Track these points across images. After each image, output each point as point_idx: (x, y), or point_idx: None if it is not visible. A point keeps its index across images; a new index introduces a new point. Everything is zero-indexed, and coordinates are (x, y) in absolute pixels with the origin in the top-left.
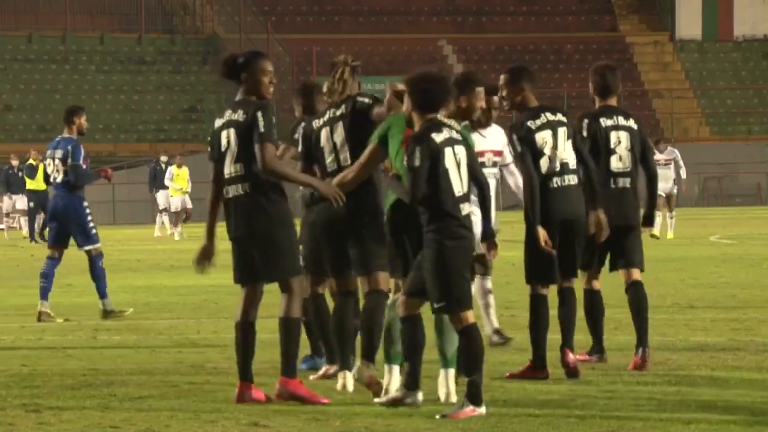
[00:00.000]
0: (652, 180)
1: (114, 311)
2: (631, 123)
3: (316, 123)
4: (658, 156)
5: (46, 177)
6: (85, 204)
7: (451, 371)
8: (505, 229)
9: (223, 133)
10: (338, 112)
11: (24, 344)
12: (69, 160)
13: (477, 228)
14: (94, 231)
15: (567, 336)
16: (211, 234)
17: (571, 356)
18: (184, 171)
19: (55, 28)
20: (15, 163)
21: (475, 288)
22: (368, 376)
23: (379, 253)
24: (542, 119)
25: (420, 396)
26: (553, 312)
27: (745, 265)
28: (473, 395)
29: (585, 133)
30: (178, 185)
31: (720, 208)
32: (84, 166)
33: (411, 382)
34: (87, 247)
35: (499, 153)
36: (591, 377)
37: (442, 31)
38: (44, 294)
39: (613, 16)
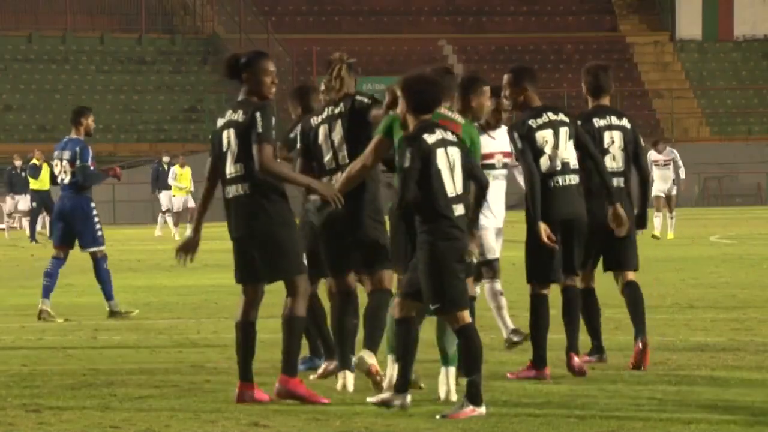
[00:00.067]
0: (644, 180)
1: (120, 312)
2: (625, 122)
3: (314, 120)
4: (657, 156)
5: (53, 177)
6: (93, 205)
7: (452, 369)
8: (506, 229)
9: (224, 133)
10: (336, 110)
11: (24, 344)
12: (77, 162)
13: (491, 232)
14: (100, 233)
15: (572, 338)
16: (197, 228)
17: (576, 360)
18: (187, 171)
19: (55, 28)
20: (18, 163)
21: (486, 291)
22: (369, 365)
23: (381, 252)
24: (544, 118)
25: (408, 398)
26: (555, 312)
27: (745, 265)
28: (473, 395)
29: None
30: (181, 185)
31: (720, 208)
32: (92, 167)
33: (400, 385)
34: (92, 249)
35: (508, 154)
36: (591, 377)
37: (442, 31)
38: (46, 292)
39: (613, 16)
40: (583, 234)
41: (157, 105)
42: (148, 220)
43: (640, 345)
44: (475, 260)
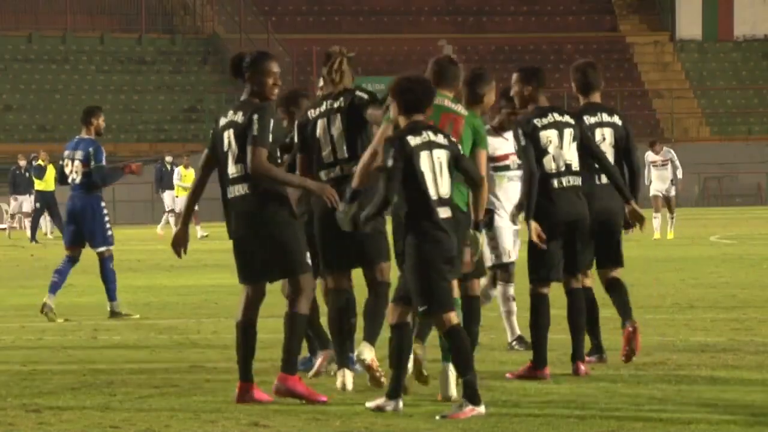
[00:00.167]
0: (634, 176)
1: (121, 314)
2: (615, 119)
3: (312, 113)
4: (654, 157)
5: (62, 177)
6: (103, 204)
7: (453, 366)
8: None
9: (225, 134)
10: (336, 104)
11: (24, 344)
12: (92, 162)
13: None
14: (110, 232)
15: (577, 344)
16: (185, 221)
17: (582, 368)
18: (192, 171)
19: (55, 28)
20: (22, 163)
21: (498, 294)
22: (370, 360)
23: (379, 245)
24: (549, 119)
25: (401, 404)
26: (555, 312)
27: (745, 265)
28: (470, 395)
29: None
30: (186, 185)
31: (720, 208)
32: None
33: (393, 390)
34: (100, 249)
35: None
36: (591, 377)
37: (442, 31)
38: (53, 288)
39: (613, 16)
40: (587, 235)
41: (157, 105)
42: (148, 220)
43: (630, 329)
44: (475, 258)
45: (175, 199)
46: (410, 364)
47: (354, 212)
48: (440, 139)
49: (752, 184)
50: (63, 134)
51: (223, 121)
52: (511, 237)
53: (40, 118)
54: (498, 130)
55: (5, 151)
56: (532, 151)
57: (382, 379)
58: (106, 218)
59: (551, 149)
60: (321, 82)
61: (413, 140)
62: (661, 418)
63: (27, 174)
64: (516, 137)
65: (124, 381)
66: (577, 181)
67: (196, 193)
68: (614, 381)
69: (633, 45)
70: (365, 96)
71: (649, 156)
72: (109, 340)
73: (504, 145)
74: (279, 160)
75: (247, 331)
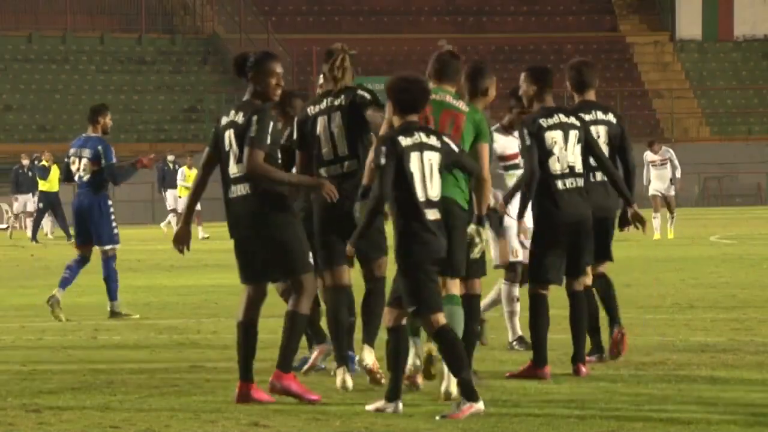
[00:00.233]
0: (629, 174)
1: (121, 314)
2: (610, 117)
3: (311, 110)
4: (653, 157)
5: (69, 174)
6: (110, 203)
7: None
8: None
9: (227, 133)
10: (337, 102)
11: (24, 344)
12: (102, 161)
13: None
14: (116, 231)
15: (578, 346)
16: (186, 219)
17: (583, 370)
18: (195, 172)
19: (55, 28)
20: (26, 162)
21: (503, 293)
22: (372, 364)
23: (377, 241)
24: (555, 119)
25: (400, 405)
26: (555, 312)
27: (745, 265)
28: (467, 392)
29: None
30: (189, 185)
31: (720, 208)
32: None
33: (392, 393)
34: (108, 247)
35: None
36: (591, 377)
37: (442, 31)
38: (62, 283)
39: (613, 16)
40: (590, 236)
41: (157, 105)
42: (148, 220)
43: (618, 335)
44: (477, 256)
45: (177, 198)
46: (418, 361)
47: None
48: (432, 140)
49: (752, 184)
50: (63, 134)
51: (224, 120)
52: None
53: (40, 118)
54: (508, 129)
55: (5, 151)
56: (535, 152)
57: (383, 381)
58: (113, 217)
59: (556, 150)
60: (321, 80)
61: (404, 141)
62: (661, 417)
63: (30, 173)
64: (521, 136)
65: (124, 381)
66: (581, 182)
67: (197, 192)
68: (614, 381)
69: (633, 45)
70: (367, 96)
71: (648, 156)
72: (109, 340)
73: (514, 143)
74: (279, 161)
75: (248, 330)
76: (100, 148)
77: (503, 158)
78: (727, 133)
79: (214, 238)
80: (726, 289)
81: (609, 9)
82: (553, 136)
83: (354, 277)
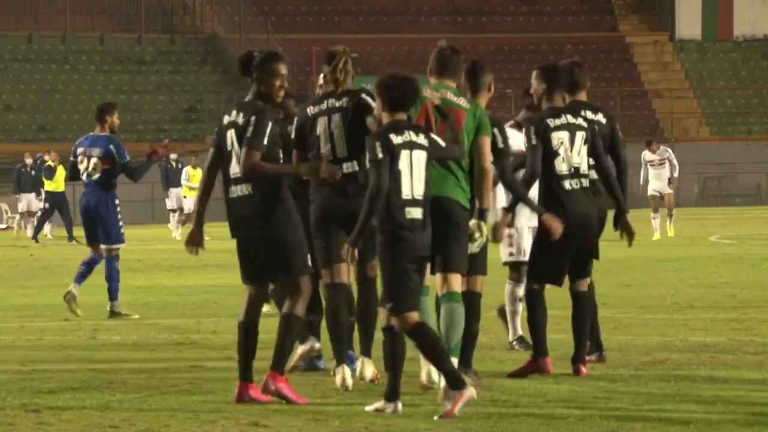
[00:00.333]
0: (621, 173)
1: (121, 314)
2: (600, 117)
3: (311, 110)
4: (651, 157)
5: (75, 173)
6: (117, 202)
7: (453, 360)
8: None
9: (228, 133)
10: (338, 103)
11: (24, 344)
12: (117, 160)
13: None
14: (122, 231)
15: (579, 348)
16: (199, 221)
17: (583, 370)
18: (200, 171)
19: (55, 28)
20: (29, 162)
21: (506, 292)
22: (371, 374)
23: (374, 242)
24: (562, 120)
25: (400, 405)
26: (555, 312)
27: (745, 265)
28: (454, 382)
29: None
30: (193, 185)
31: (720, 208)
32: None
33: (390, 393)
34: (114, 246)
35: None
36: (591, 377)
37: (442, 31)
38: (78, 278)
39: (613, 16)
40: (595, 236)
41: (157, 105)
42: (148, 220)
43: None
44: (476, 250)
45: (181, 198)
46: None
47: None
48: (421, 139)
49: (752, 184)
50: (63, 134)
51: (226, 120)
52: (529, 235)
53: (39, 118)
54: (521, 126)
55: (5, 151)
56: (540, 152)
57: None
58: (119, 216)
59: (562, 151)
60: (321, 80)
61: (396, 139)
62: (660, 417)
63: (33, 172)
64: (527, 135)
65: (124, 381)
66: (586, 182)
67: (205, 193)
68: (614, 380)
69: (633, 45)
70: (371, 102)
71: (646, 155)
72: (109, 339)
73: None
74: (281, 161)
75: (248, 330)
76: (111, 147)
77: (515, 156)
78: (727, 133)
79: (214, 238)
80: (726, 289)
81: (609, 9)
82: (560, 137)
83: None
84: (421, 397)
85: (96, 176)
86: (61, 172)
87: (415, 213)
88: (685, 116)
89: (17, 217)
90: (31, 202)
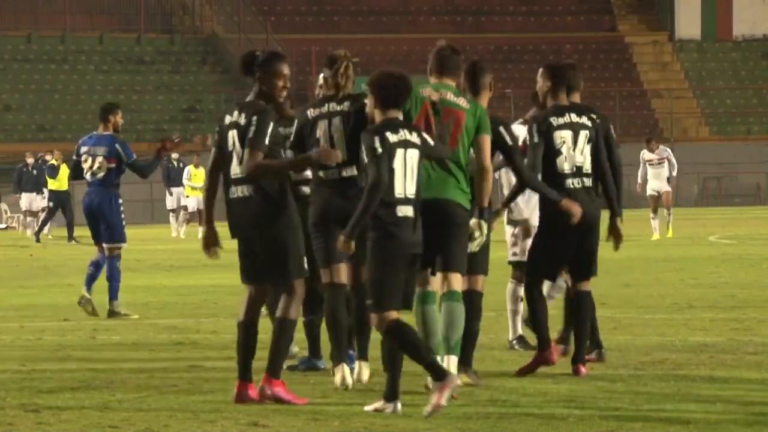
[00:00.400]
0: (615, 173)
1: (120, 313)
2: (593, 118)
3: (311, 113)
4: (650, 156)
5: (79, 172)
6: (120, 201)
7: (453, 358)
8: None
9: (230, 134)
10: (339, 107)
11: (23, 344)
12: (124, 159)
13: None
14: (124, 230)
15: (580, 348)
16: (209, 222)
17: (583, 370)
18: (202, 171)
19: (54, 28)
20: (30, 161)
21: (507, 291)
22: (367, 377)
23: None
24: (566, 118)
25: (399, 405)
26: (555, 312)
27: (745, 265)
28: (436, 373)
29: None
30: (195, 185)
31: (719, 208)
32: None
33: (390, 393)
34: (117, 245)
35: None
36: (591, 377)
37: (442, 31)
38: (88, 282)
39: (613, 16)
40: (598, 236)
41: (156, 105)
42: (148, 220)
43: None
44: (476, 249)
45: (182, 197)
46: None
47: None
48: (414, 137)
49: (751, 184)
50: (62, 134)
51: (228, 120)
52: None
53: (39, 118)
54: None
55: (5, 151)
56: (541, 150)
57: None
58: (122, 215)
59: (564, 150)
60: (320, 81)
61: (391, 137)
62: (660, 417)
63: (34, 172)
64: (530, 133)
65: (123, 381)
66: (588, 182)
67: (211, 194)
68: (613, 380)
69: (632, 45)
70: None
71: (645, 154)
72: (109, 339)
73: None
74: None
75: (248, 330)
76: (117, 146)
77: (523, 154)
78: (727, 133)
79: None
80: (725, 289)
81: (608, 9)
82: (563, 136)
83: None
84: (421, 397)
85: (100, 175)
86: (64, 171)
87: (407, 211)
88: (685, 116)
89: (20, 216)
90: (32, 201)
